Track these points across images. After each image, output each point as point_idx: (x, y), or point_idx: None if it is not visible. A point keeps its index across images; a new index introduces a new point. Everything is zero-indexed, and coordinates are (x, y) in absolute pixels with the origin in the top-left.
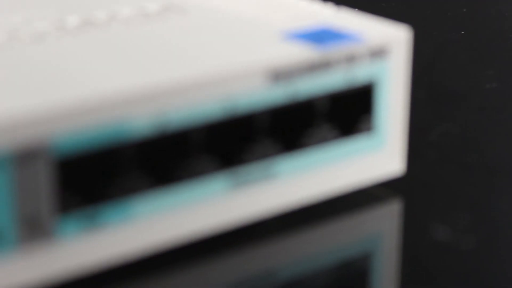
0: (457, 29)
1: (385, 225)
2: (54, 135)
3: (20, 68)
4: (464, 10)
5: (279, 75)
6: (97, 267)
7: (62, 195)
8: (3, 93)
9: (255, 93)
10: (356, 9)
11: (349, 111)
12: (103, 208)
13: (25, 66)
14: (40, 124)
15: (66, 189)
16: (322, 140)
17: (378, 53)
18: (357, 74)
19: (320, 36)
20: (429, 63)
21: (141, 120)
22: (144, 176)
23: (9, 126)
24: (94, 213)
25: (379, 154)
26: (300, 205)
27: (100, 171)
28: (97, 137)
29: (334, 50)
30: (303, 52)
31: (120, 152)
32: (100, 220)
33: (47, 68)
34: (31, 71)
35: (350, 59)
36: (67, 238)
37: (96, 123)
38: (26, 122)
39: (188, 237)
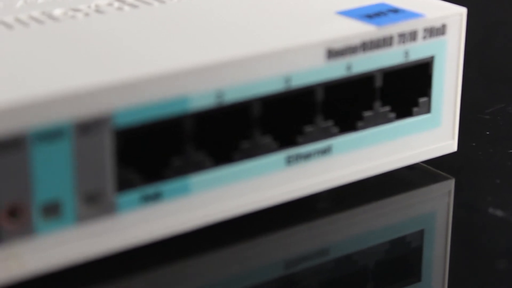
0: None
1: (438, 203)
2: (115, 107)
3: (83, 41)
4: None
5: (337, 52)
6: (154, 241)
7: (122, 168)
8: (66, 65)
9: (313, 69)
10: None
11: (405, 88)
12: (162, 182)
13: (87, 40)
14: (102, 95)
15: (126, 161)
16: (378, 117)
17: (436, 31)
18: (414, 52)
19: (378, 13)
20: (481, 43)
21: (201, 94)
22: (202, 150)
23: (72, 97)
24: (153, 187)
25: (433, 132)
26: (355, 181)
27: (159, 144)
28: (157, 110)
29: (392, 27)
30: (361, 29)
31: (180, 126)
32: (159, 194)
33: (109, 41)
34: (93, 44)
35: (408, 36)
36: (127, 212)
37: (157, 96)
38: (88, 93)
39: (244, 212)
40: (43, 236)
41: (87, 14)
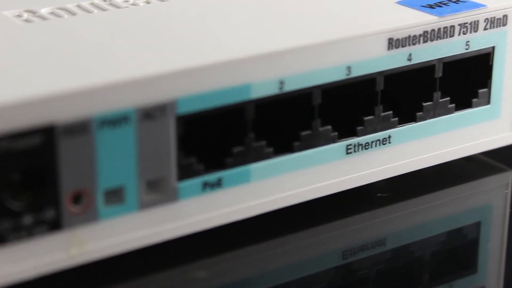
0: None
1: (495, 195)
2: (179, 94)
3: (146, 29)
4: None
5: (398, 41)
6: (214, 227)
7: (184, 155)
8: (131, 52)
9: (374, 59)
10: None
11: (465, 79)
12: (223, 169)
13: (150, 27)
14: (166, 82)
15: (188, 149)
16: (437, 107)
17: (497, 21)
18: (475, 42)
19: (439, 3)
20: None
21: (263, 82)
22: (263, 139)
23: (137, 83)
24: (214, 174)
25: (492, 123)
26: (413, 172)
27: (221, 132)
28: (220, 98)
29: (453, 17)
30: (422, 19)
31: (241, 114)
32: (220, 182)
33: (172, 29)
34: (156, 31)
35: (469, 27)
36: (188, 199)
37: (220, 83)
38: (153, 80)
39: (303, 201)
40: (106, 222)
41: (148, 2)
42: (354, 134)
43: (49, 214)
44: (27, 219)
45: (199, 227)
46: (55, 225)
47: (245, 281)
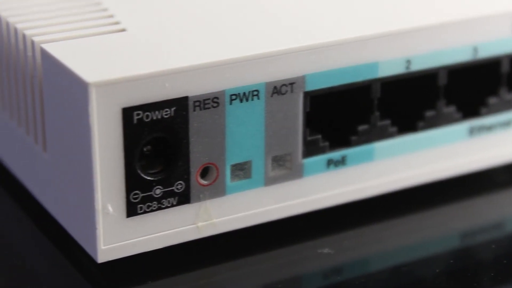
0: None
1: None
2: (308, 70)
3: (278, 6)
4: None
5: None
6: (338, 204)
7: (310, 132)
8: (262, 28)
9: (499, 40)
10: None
11: None
12: (348, 147)
13: (281, 5)
14: (295, 59)
15: (315, 126)
16: None
17: None
18: None
19: None
20: None
21: (391, 61)
22: (387, 118)
23: (267, 59)
24: (339, 152)
25: None
26: None
27: (347, 110)
28: (348, 76)
29: None
30: None
31: (368, 92)
32: (344, 159)
33: (300, 6)
34: (287, 9)
35: None
36: (312, 176)
37: (348, 61)
38: (283, 56)
39: (425, 182)
40: (233, 197)
41: None
42: (478, 115)
43: (179, 186)
44: (158, 191)
45: (323, 204)
46: (184, 198)
47: (367, 259)
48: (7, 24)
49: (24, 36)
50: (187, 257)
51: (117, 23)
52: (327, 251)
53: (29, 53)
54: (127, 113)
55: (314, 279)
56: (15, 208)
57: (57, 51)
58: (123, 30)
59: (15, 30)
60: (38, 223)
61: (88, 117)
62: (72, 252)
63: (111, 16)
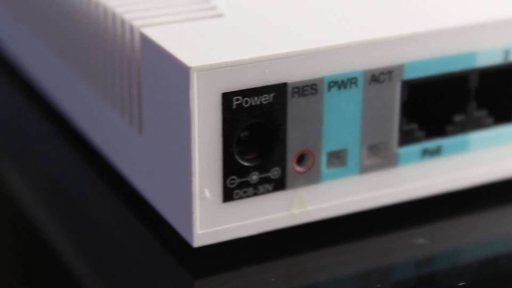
0: None
1: None
2: (406, 59)
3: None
4: None
5: None
6: (432, 195)
7: (406, 121)
8: (360, 16)
9: None
10: None
11: None
12: (443, 137)
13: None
14: (394, 47)
15: (411, 114)
16: None
17: None
18: None
19: None
20: None
21: (489, 51)
22: (483, 108)
23: (366, 47)
24: (434, 142)
25: None
26: None
27: (443, 99)
28: (445, 65)
29: None
30: None
31: (465, 82)
32: (439, 149)
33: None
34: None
35: None
36: (407, 165)
37: (446, 50)
38: (381, 44)
39: None
40: (328, 184)
41: None
42: None
43: (275, 173)
44: (254, 177)
45: (417, 194)
46: (280, 185)
47: (461, 250)
48: (105, 9)
49: (122, 20)
50: (280, 244)
51: (214, 8)
52: (421, 241)
53: (127, 37)
54: (227, 98)
55: (407, 269)
56: (105, 190)
57: (156, 35)
58: (220, 15)
59: (113, 14)
60: (129, 205)
61: (189, 102)
62: (164, 235)
63: (208, 1)
